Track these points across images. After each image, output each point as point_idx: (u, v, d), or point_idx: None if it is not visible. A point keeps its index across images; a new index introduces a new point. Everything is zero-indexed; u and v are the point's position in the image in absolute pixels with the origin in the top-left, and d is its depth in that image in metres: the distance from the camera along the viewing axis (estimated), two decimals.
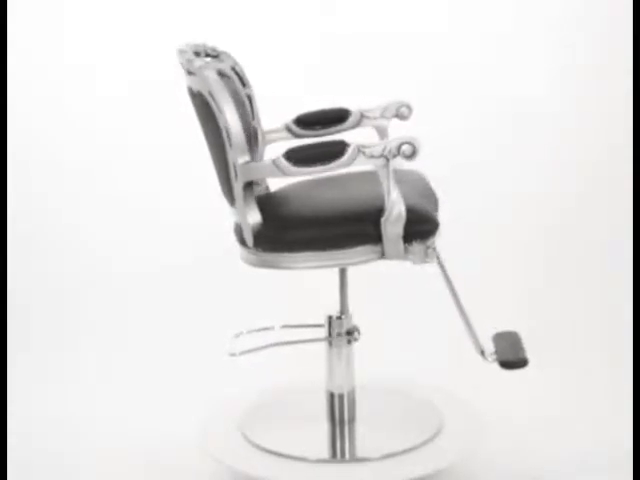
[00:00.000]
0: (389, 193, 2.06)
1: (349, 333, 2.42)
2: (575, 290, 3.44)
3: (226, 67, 2.31)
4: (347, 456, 2.38)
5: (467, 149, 3.64)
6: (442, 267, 2.20)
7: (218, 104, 2.10)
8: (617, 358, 2.96)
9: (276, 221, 2.17)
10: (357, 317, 2.46)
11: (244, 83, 2.40)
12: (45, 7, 3.64)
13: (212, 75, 2.13)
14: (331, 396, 2.45)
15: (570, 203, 3.65)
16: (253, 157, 2.16)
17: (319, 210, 2.23)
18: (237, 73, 2.38)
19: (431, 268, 2.22)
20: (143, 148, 3.65)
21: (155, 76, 3.55)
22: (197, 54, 2.26)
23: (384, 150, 2.04)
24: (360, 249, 2.11)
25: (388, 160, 2.05)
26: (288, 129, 2.49)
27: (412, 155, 2.05)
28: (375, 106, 2.48)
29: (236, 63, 2.39)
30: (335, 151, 2.06)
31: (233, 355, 2.42)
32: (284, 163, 2.07)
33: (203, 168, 2.56)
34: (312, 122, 2.48)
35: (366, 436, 2.41)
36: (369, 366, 2.51)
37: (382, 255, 2.12)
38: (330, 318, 2.43)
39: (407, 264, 2.20)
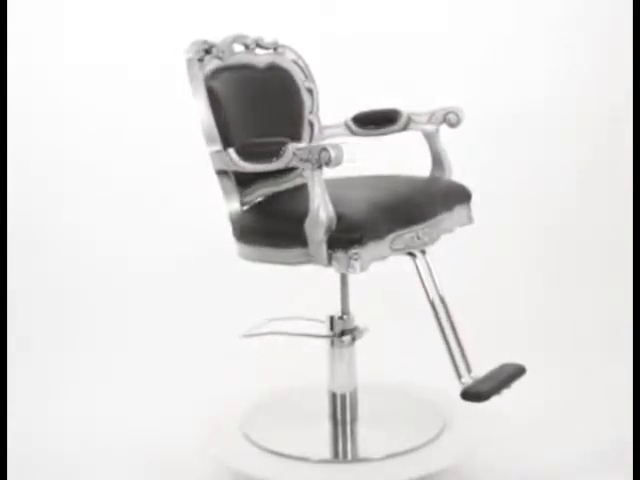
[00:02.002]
0: (313, 198, 2.06)
1: (351, 333, 2.42)
2: (575, 290, 3.44)
3: (283, 60, 2.47)
4: (349, 456, 2.38)
5: (467, 149, 3.63)
6: (422, 284, 2.22)
7: None
8: (617, 358, 2.96)
9: (247, 212, 2.24)
10: (359, 317, 2.46)
11: (306, 75, 2.52)
12: (45, 7, 3.64)
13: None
14: (333, 396, 2.45)
15: (570, 203, 3.65)
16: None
17: (279, 206, 2.28)
18: (299, 66, 2.51)
19: (437, 269, 2.23)
20: (143, 148, 3.65)
21: (155, 76, 3.56)
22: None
23: (309, 154, 2.05)
24: (294, 250, 2.11)
25: (313, 165, 2.05)
26: (346, 126, 2.54)
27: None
28: (424, 111, 2.47)
29: (299, 57, 2.51)
30: (272, 151, 2.10)
31: (246, 336, 2.48)
32: (234, 157, 2.16)
33: (203, 168, 2.56)
34: (367, 121, 2.53)
35: (368, 436, 2.41)
36: (371, 366, 2.51)
37: (312, 259, 2.11)
38: (332, 318, 2.43)
39: (406, 264, 2.21)
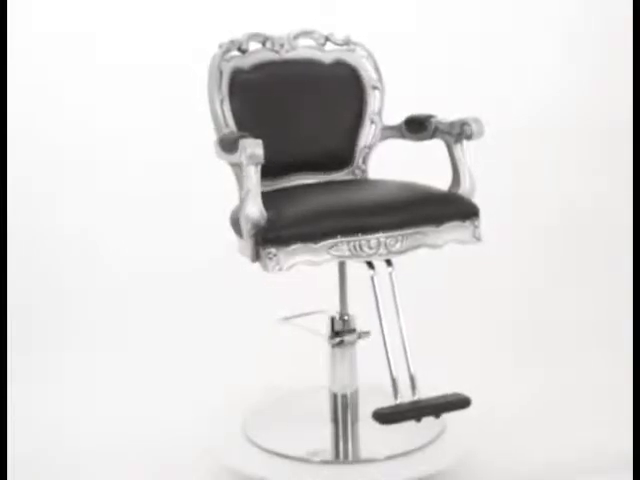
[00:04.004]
0: (245, 194, 2.11)
1: (351, 334, 2.42)
2: (575, 290, 3.44)
3: (352, 57, 2.51)
4: (350, 457, 2.38)
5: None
6: (375, 296, 2.19)
7: None
8: (617, 358, 2.96)
9: None
10: (359, 318, 2.46)
11: (374, 73, 2.53)
12: (45, 7, 3.63)
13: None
14: (334, 397, 2.45)
15: (570, 203, 3.65)
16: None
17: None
18: (368, 63, 2.53)
19: (435, 270, 2.22)
20: (143, 148, 3.65)
21: (155, 76, 3.56)
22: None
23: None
24: (241, 242, 2.18)
25: (241, 166, 2.12)
26: (398, 128, 2.54)
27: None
28: (447, 120, 2.40)
29: (370, 54, 2.53)
30: (232, 145, 2.17)
31: (283, 320, 2.51)
32: (217, 147, 2.28)
33: (203, 168, 2.56)
34: (413, 126, 2.50)
35: (369, 437, 2.41)
36: (371, 367, 2.51)
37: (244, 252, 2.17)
38: (332, 319, 2.43)
39: (406, 264, 2.21)
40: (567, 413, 2.67)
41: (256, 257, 2.11)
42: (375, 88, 2.53)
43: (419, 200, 2.24)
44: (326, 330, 2.44)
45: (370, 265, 2.17)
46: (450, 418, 2.45)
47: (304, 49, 2.50)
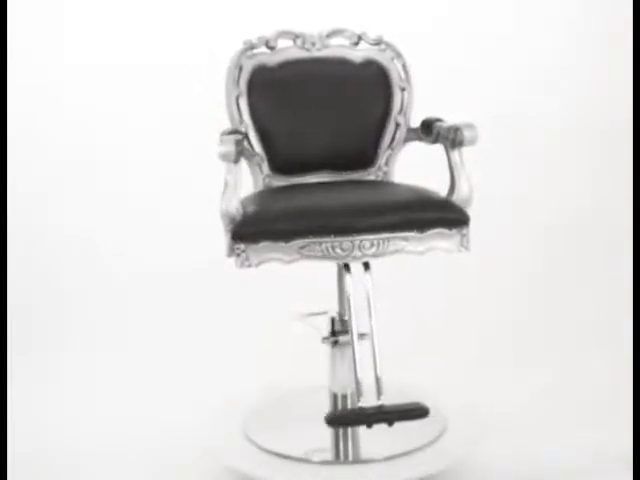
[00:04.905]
0: (224, 189, 2.15)
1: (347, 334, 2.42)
2: (575, 290, 3.44)
3: (383, 56, 2.51)
4: (350, 458, 2.37)
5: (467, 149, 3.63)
6: (347, 300, 2.18)
7: None
8: (617, 358, 2.96)
9: None
10: (360, 318, 2.45)
11: (403, 74, 2.52)
12: (45, 7, 3.63)
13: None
14: (334, 397, 2.45)
15: (570, 203, 3.65)
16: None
17: None
18: (398, 64, 2.52)
19: (435, 270, 2.22)
20: (144, 148, 3.65)
21: (155, 76, 3.56)
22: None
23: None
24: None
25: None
26: (417, 131, 2.52)
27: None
28: (445, 125, 2.34)
29: (400, 55, 2.52)
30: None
31: (298, 317, 2.51)
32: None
33: (204, 168, 2.56)
34: (424, 129, 2.48)
35: (369, 437, 2.39)
36: (371, 367, 2.50)
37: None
38: (333, 319, 2.43)
39: (407, 265, 2.21)
40: (567, 413, 2.67)
41: (231, 252, 2.14)
42: (403, 89, 2.52)
43: (403, 204, 2.18)
44: (326, 330, 2.44)
45: (346, 267, 2.16)
46: (450, 418, 2.46)
47: (336, 48, 2.52)
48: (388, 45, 2.53)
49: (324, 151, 2.49)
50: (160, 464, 2.45)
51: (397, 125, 2.52)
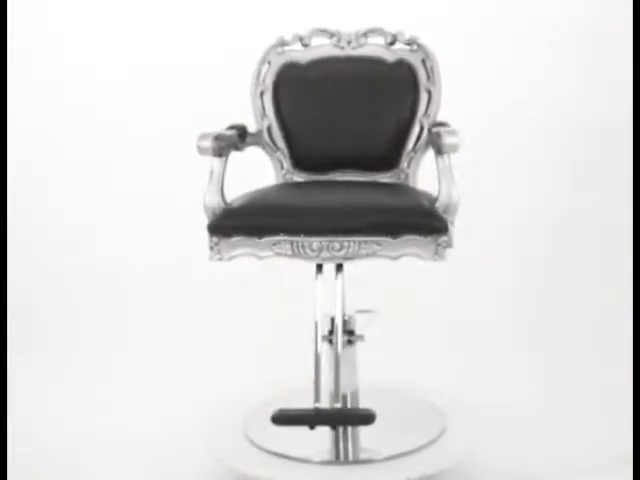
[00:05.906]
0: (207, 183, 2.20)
1: (351, 334, 2.42)
2: (575, 290, 3.44)
3: (414, 57, 2.50)
4: (350, 458, 2.37)
5: (467, 149, 3.63)
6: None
7: None
8: (617, 358, 2.97)
9: None
10: (360, 318, 2.46)
11: (429, 76, 2.50)
12: (45, 7, 3.63)
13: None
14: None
15: (570, 203, 3.65)
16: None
17: None
18: (426, 66, 2.50)
19: (435, 270, 2.21)
20: (144, 148, 3.65)
21: (156, 75, 3.56)
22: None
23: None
24: None
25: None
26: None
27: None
28: (434, 130, 2.26)
29: (429, 56, 2.50)
30: None
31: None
32: None
33: (205, 168, 2.56)
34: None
35: (369, 437, 2.39)
36: (371, 368, 2.51)
37: None
38: (332, 319, 2.43)
39: (406, 265, 2.21)
40: (567, 413, 2.67)
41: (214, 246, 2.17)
42: (428, 91, 2.50)
43: (377, 209, 2.14)
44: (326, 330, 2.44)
45: (319, 268, 2.16)
46: (450, 418, 2.46)
47: (370, 47, 2.52)
48: (420, 46, 2.51)
49: (348, 150, 2.49)
50: (160, 464, 2.45)
51: (421, 128, 2.50)
